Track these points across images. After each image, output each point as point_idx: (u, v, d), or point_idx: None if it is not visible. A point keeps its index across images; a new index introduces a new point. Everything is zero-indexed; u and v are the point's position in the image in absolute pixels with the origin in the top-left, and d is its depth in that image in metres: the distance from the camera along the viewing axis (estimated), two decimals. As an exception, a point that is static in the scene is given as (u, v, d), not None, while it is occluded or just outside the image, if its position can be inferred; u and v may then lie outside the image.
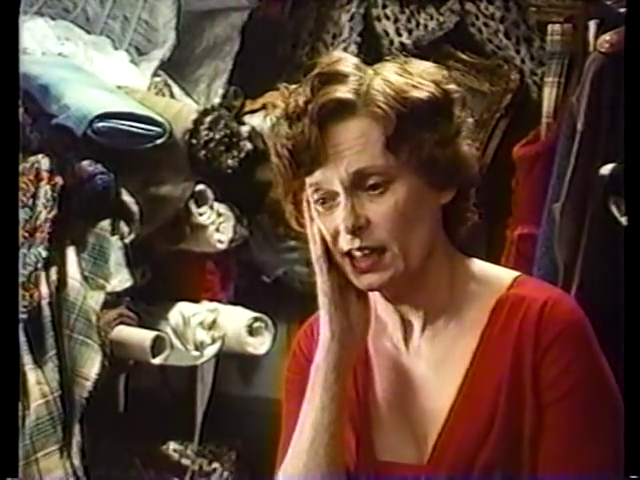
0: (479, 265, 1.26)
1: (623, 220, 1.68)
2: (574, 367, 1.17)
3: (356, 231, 1.18)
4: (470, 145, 1.23)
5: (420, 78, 1.20)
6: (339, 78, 1.19)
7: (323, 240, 1.21)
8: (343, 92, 1.18)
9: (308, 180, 1.20)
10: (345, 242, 1.19)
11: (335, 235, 1.20)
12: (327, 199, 1.20)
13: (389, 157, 1.18)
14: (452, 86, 1.22)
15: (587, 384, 1.18)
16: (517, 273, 1.27)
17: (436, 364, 1.23)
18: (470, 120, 1.23)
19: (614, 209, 1.74)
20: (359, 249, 1.18)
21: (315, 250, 1.21)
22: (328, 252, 1.21)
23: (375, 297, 1.27)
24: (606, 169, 1.77)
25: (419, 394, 1.23)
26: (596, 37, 1.89)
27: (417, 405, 1.23)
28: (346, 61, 1.21)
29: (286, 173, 1.21)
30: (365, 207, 1.18)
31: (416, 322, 1.25)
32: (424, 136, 1.18)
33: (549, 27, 2.04)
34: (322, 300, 1.22)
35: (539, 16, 2.12)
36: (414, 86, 1.19)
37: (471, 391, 1.20)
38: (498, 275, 1.26)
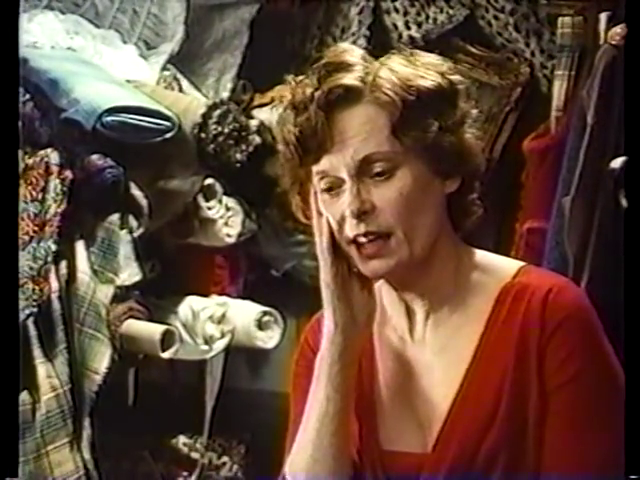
0: (484, 255, 1.27)
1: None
2: (579, 353, 1.18)
3: (361, 216, 1.19)
4: (475, 136, 1.23)
5: (426, 69, 1.22)
6: (345, 67, 1.20)
7: (330, 232, 1.22)
8: (349, 79, 1.19)
9: (315, 168, 1.21)
10: (351, 228, 1.20)
11: (341, 222, 1.21)
12: (334, 187, 1.21)
13: (395, 143, 1.19)
14: (457, 77, 1.23)
15: (591, 370, 1.18)
16: (522, 263, 1.27)
17: (440, 352, 1.24)
18: (475, 111, 1.24)
19: (624, 203, 1.73)
20: (364, 235, 1.19)
21: (321, 242, 1.22)
22: (334, 244, 1.22)
23: (380, 288, 1.28)
24: (616, 162, 1.76)
25: (424, 383, 1.24)
26: (607, 30, 1.88)
27: (422, 394, 1.24)
28: (352, 52, 1.23)
29: (292, 160, 1.22)
30: (371, 192, 1.19)
31: (420, 311, 1.25)
32: (429, 123, 1.19)
33: (559, 20, 2.04)
34: (325, 292, 1.22)
35: (549, 9, 2.12)
36: (420, 76, 1.20)
37: (476, 378, 1.21)
38: (503, 265, 1.26)
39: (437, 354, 1.24)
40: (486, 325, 1.22)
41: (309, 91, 1.20)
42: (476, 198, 1.26)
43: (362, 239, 1.20)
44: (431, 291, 1.24)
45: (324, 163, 1.20)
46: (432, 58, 1.24)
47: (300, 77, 1.22)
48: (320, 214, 1.23)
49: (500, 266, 1.26)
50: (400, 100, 1.18)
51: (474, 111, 1.24)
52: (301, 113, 1.20)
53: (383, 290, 1.28)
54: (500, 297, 1.22)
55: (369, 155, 1.19)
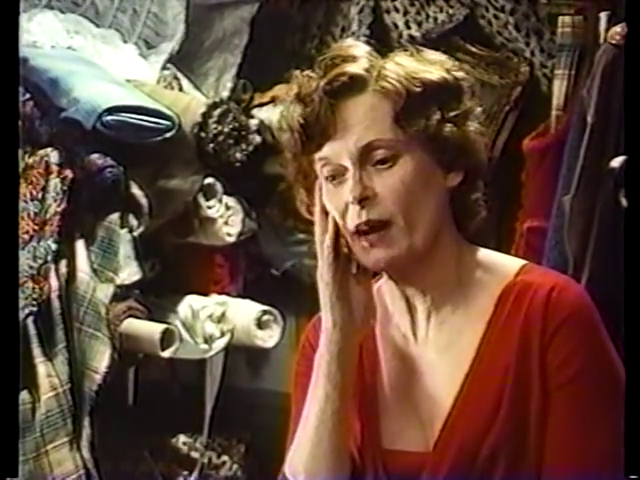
0: (486, 254, 1.27)
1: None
2: (581, 352, 1.18)
3: (363, 202, 1.19)
4: (479, 131, 1.24)
5: (431, 65, 1.22)
6: (351, 59, 1.22)
7: (335, 230, 1.22)
8: (355, 68, 1.20)
9: (317, 155, 1.22)
10: (352, 217, 1.20)
11: (344, 212, 1.21)
12: (336, 175, 1.21)
13: (398, 132, 1.19)
14: (462, 74, 1.24)
15: (593, 369, 1.18)
16: (524, 261, 1.28)
17: (443, 350, 1.24)
18: (479, 109, 1.24)
19: (624, 202, 1.73)
20: (366, 223, 1.19)
21: (324, 240, 1.22)
22: (337, 242, 1.22)
23: (383, 287, 1.28)
24: (616, 162, 1.76)
25: (426, 381, 1.24)
26: (607, 29, 1.88)
27: (424, 392, 1.24)
28: (358, 46, 1.24)
29: (295, 147, 1.23)
30: (373, 180, 1.20)
31: (422, 308, 1.25)
32: (433, 112, 1.20)
33: (559, 19, 2.04)
34: (323, 290, 1.23)
35: (549, 8, 2.11)
36: (425, 70, 1.21)
37: (478, 376, 1.21)
38: (505, 263, 1.27)
39: (440, 352, 1.24)
40: (488, 324, 1.22)
41: (314, 83, 1.20)
42: (480, 198, 1.26)
43: (364, 227, 1.20)
44: (433, 287, 1.24)
45: (326, 150, 1.21)
46: (437, 55, 1.25)
47: (306, 71, 1.23)
48: (325, 213, 1.23)
49: (502, 264, 1.26)
50: (404, 89, 1.19)
51: (478, 109, 1.25)
52: (308, 105, 1.20)
53: (385, 288, 1.28)
54: (502, 296, 1.23)
55: (371, 142, 1.19)
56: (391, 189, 1.19)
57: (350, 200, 1.19)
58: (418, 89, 1.19)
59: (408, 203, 1.19)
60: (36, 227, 2.24)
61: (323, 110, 1.19)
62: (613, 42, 1.81)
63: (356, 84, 1.20)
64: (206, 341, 2.31)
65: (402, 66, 1.21)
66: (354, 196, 1.19)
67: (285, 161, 1.26)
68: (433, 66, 1.22)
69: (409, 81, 1.19)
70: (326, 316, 1.23)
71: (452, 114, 1.21)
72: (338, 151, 1.20)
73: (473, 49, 2.24)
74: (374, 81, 1.20)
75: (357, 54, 1.22)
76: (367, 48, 1.24)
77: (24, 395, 2.17)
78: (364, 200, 1.19)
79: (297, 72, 1.24)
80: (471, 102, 1.24)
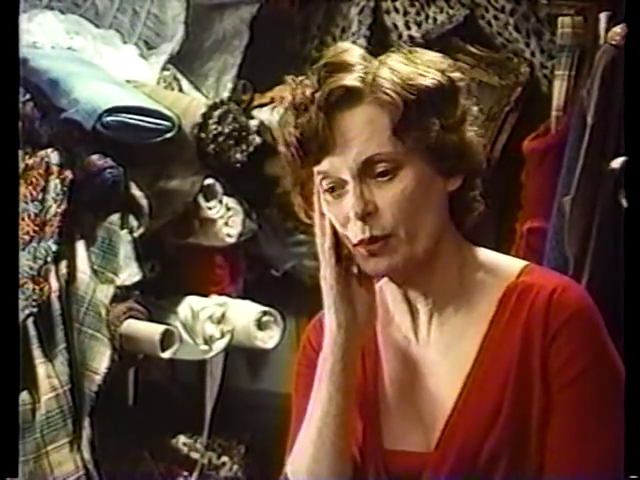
0: (488, 254, 1.27)
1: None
2: (582, 353, 1.18)
3: (365, 217, 1.19)
4: (475, 133, 1.24)
5: (426, 67, 1.22)
6: (345, 67, 1.20)
7: (333, 233, 1.22)
8: (350, 80, 1.19)
9: (316, 169, 1.21)
10: (355, 232, 1.20)
11: (345, 224, 1.21)
12: (336, 187, 1.21)
13: (397, 144, 1.19)
14: (457, 74, 1.23)
15: (595, 370, 1.18)
16: (526, 262, 1.28)
17: (445, 351, 1.24)
18: (475, 109, 1.24)
19: (624, 203, 1.73)
20: (369, 239, 1.19)
21: (324, 242, 1.22)
22: (336, 244, 1.22)
23: (384, 287, 1.28)
24: (616, 162, 1.76)
25: (428, 382, 1.24)
26: (607, 30, 1.88)
27: (426, 393, 1.24)
28: (352, 51, 1.23)
29: (294, 162, 1.22)
30: (374, 193, 1.19)
31: (424, 310, 1.25)
32: (431, 122, 1.19)
33: (559, 20, 2.04)
34: (328, 292, 1.22)
35: (549, 9, 2.11)
36: (420, 74, 1.20)
37: (479, 377, 1.21)
38: (507, 264, 1.27)
39: (442, 354, 1.24)
40: (490, 325, 1.22)
41: (309, 92, 1.20)
42: (477, 195, 1.26)
43: (367, 243, 1.20)
44: (435, 290, 1.24)
45: (325, 164, 1.20)
46: (432, 56, 1.24)
47: (300, 78, 1.22)
48: (323, 215, 1.23)
49: (504, 265, 1.26)
50: (401, 100, 1.18)
51: (474, 108, 1.24)
52: (302, 114, 1.20)
53: (386, 289, 1.28)
54: (504, 297, 1.23)
55: (371, 156, 1.19)
56: (392, 202, 1.19)
57: (352, 216, 1.19)
58: (414, 97, 1.18)
59: (409, 214, 1.19)
60: (36, 228, 2.24)
61: (320, 125, 1.18)
62: (613, 43, 1.81)
63: (352, 96, 1.19)
64: (206, 342, 2.31)
65: (397, 72, 1.20)
66: (356, 212, 1.19)
67: (283, 171, 1.26)
68: (428, 69, 1.21)
69: (405, 89, 1.18)
70: (330, 318, 1.23)
71: (450, 120, 1.20)
72: (337, 166, 1.19)
73: (473, 50, 2.24)
74: (370, 92, 1.19)
75: (351, 61, 1.20)
76: (361, 52, 1.22)
77: (24, 396, 2.17)
78: (367, 216, 1.19)
79: (290, 78, 1.23)
80: (467, 102, 1.23)
